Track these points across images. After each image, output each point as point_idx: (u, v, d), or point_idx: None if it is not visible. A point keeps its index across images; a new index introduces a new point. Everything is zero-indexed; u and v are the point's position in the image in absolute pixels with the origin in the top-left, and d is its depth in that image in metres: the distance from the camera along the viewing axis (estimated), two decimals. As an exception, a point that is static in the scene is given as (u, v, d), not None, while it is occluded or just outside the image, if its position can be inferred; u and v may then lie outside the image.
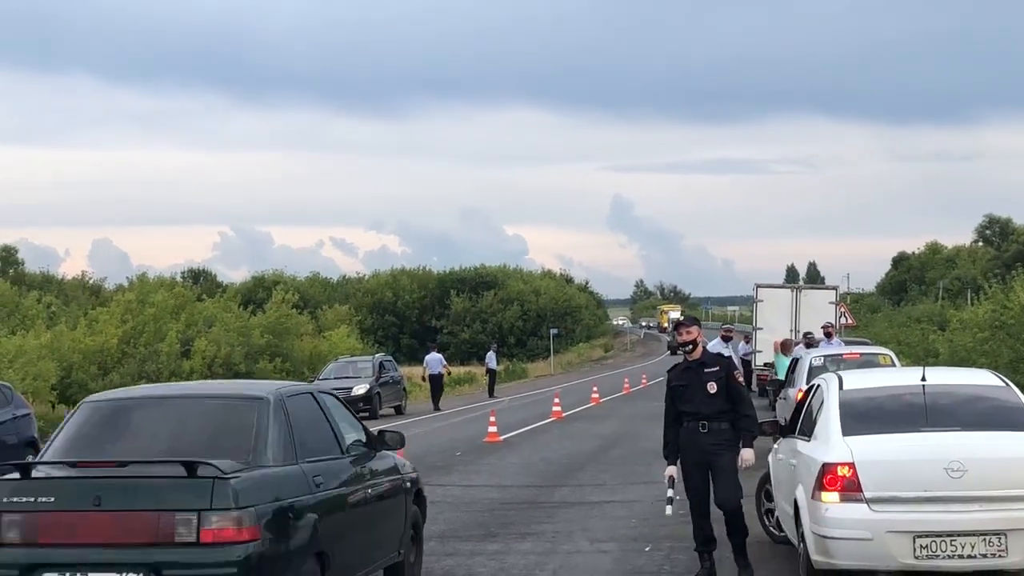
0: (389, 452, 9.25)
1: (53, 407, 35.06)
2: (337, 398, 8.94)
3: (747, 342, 33.78)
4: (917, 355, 42.95)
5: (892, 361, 17.95)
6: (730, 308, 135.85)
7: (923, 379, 9.05)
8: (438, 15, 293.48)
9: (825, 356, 18.21)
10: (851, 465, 8.28)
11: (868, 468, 8.28)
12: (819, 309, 31.66)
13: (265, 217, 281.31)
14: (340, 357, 40.08)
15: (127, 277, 70.22)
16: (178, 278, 73.55)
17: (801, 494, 8.80)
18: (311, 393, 8.50)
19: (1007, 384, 9.24)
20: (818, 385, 9.81)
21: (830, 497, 8.31)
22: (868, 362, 18.15)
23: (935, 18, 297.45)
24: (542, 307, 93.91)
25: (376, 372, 33.92)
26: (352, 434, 8.69)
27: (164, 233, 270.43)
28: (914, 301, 79.52)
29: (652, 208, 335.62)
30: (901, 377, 10.10)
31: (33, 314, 52.10)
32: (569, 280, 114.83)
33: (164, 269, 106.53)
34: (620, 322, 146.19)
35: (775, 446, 10.90)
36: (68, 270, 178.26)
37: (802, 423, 9.75)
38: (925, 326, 49.47)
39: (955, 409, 8.87)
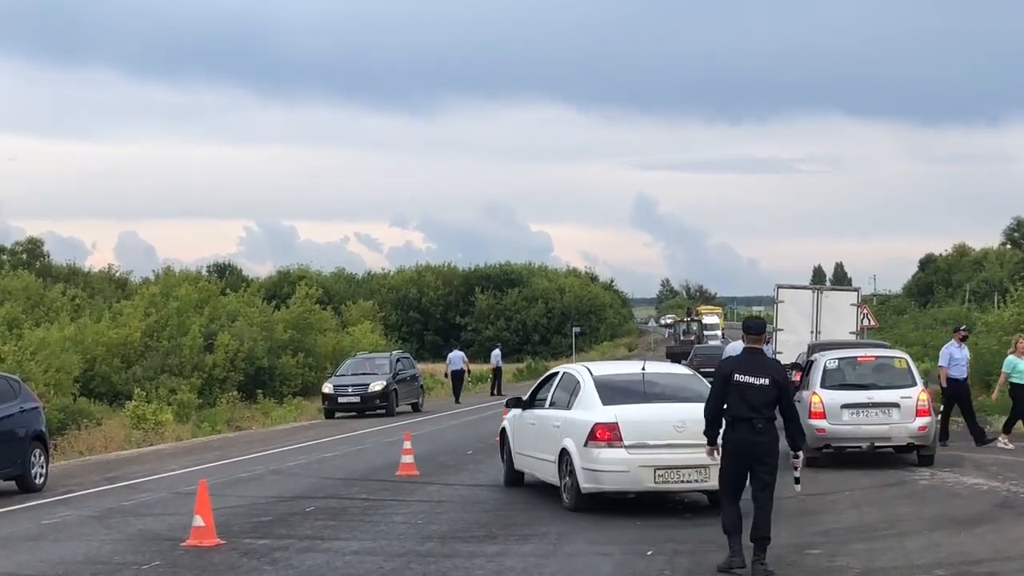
0: None
1: (75, 399, 35.16)
2: None
3: (767, 343, 33.54)
4: (942, 358, 42.48)
5: (908, 364, 17.69)
6: (756, 308, 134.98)
7: (643, 369, 13.54)
8: (462, 10, 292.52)
9: (840, 359, 17.97)
10: (615, 424, 12.59)
11: (627, 426, 12.59)
12: (840, 310, 31.38)
13: (290, 212, 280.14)
14: (358, 353, 39.94)
15: (153, 270, 70.51)
16: (203, 272, 73.79)
17: (571, 445, 12.98)
18: None
19: (694, 374, 14.32)
20: (563, 373, 14.46)
21: (600, 445, 12.60)
22: (884, 365, 17.93)
23: (962, 17, 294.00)
24: (566, 305, 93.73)
25: (393, 369, 33.69)
26: None
27: (190, 226, 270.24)
28: (941, 303, 78.73)
29: (677, 206, 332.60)
30: (628, 368, 14.23)
31: (58, 306, 52.37)
32: (594, 278, 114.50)
33: (190, 263, 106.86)
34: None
35: (512, 414, 15.47)
36: (95, 263, 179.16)
37: (551, 399, 14.18)
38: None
39: (666, 389, 13.37)
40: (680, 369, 15.05)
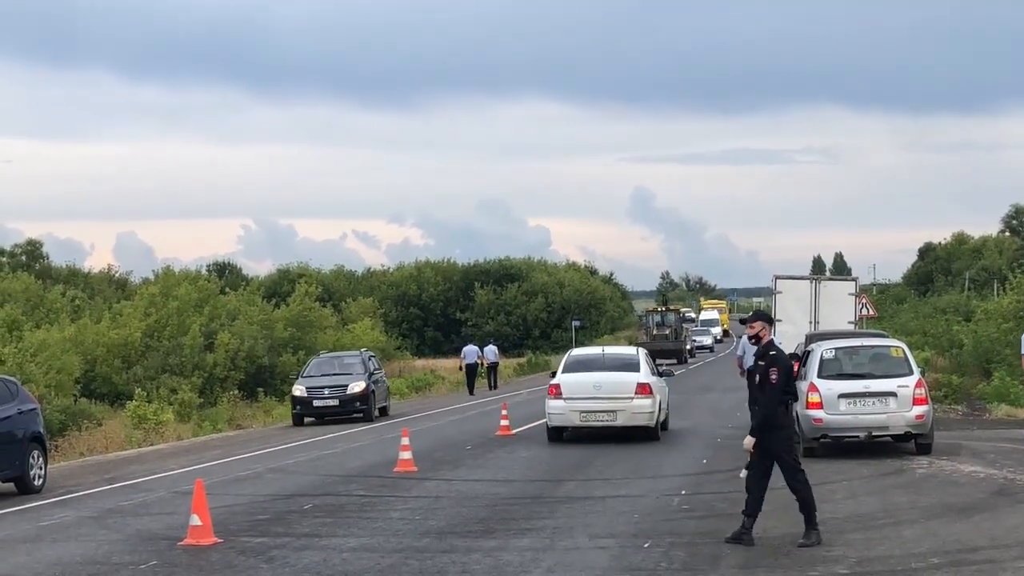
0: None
1: (76, 400, 35.15)
2: None
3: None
4: (942, 346, 42.48)
5: (904, 353, 17.68)
6: (756, 299, 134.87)
7: (603, 350, 21.96)
8: (457, 7, 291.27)
9: (836, 349, 17.97)
10: (559, 384, 20.33)
11: (565, 386, 20.25)
12: (839, 300, 31.36)
13: (288, 210, 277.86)
14: (322, 352, 36.19)
15: (152, 270, 70.36)
16: (203, 271, 73.66)
17: (547, 398, 20.59)
18: None
19: (638, 350, 22.01)
20: (570, 352, 22.95)
21: (551, 397, 20.41)
22: (880, 354, 17.92)
23: (956, 6, 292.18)
24: (566, 299, 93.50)
25: (367, 368, 30.13)
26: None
27: (188, 226, 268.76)
28: (940, 292, 78.75)
29: (674, 199, 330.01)
30: (594, 350, 22.55)
31: (58, 308, 52.35)
32: (593, 272, 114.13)
33: (190, 262, 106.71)
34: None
35: None
36: (94, 264, 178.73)
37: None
38: (950, 317, 48.99)
39: (613, 362, 20.98)
40: (630, 350, 22.69)
